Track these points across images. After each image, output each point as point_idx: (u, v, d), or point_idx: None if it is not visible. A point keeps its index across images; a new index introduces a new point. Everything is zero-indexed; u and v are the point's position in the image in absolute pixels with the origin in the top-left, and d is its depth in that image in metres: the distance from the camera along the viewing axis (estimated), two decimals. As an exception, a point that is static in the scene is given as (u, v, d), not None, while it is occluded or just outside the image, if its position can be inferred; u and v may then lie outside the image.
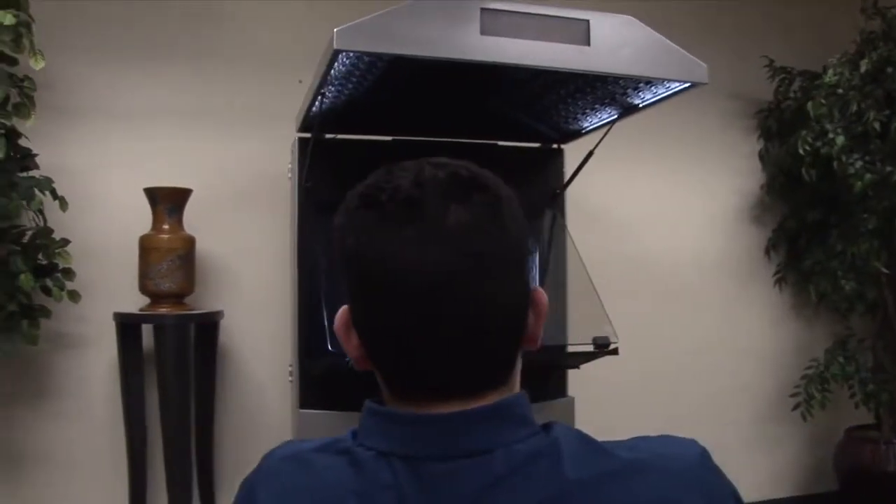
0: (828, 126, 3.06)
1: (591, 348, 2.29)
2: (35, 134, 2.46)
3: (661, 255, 3.48)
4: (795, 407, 3.32)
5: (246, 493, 0.74)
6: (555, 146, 2.77)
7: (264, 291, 2.89)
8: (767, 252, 3.63)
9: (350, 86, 2.22)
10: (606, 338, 2.28)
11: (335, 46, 1.66)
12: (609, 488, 0.65)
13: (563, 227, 2.73)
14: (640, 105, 2.25)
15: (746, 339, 3.60)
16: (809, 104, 3.08)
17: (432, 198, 0.66)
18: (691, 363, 3.49)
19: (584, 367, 2.61)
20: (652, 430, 3.01)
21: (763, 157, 3.59)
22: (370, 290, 0.69)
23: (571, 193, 2.90)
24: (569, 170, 2.71)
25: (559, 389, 2.66)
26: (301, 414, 2.37)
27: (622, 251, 3.40)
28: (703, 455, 0.72)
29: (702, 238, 3.57)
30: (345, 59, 1.88)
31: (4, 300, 2.21)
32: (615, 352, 2.29)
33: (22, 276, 2.19)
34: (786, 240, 3.61)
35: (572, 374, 2.74)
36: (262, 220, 2.89)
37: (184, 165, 2.77)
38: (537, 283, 2.73)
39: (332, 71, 1.90)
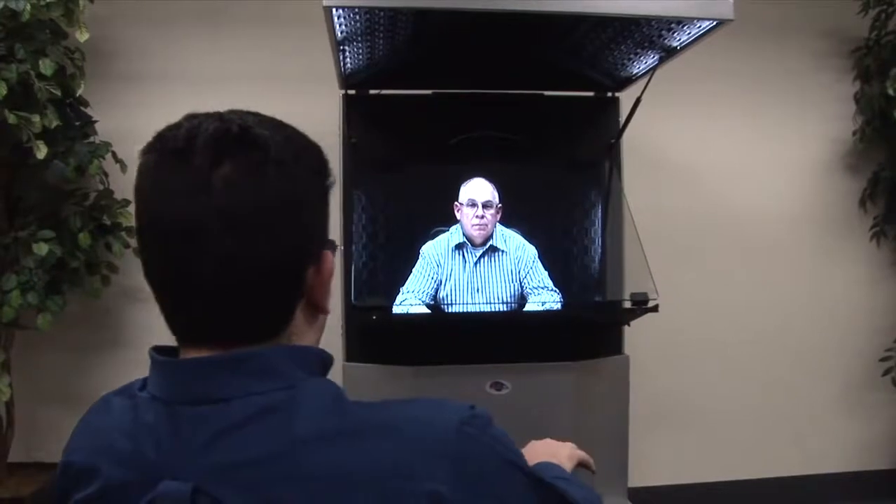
0: (923, 63, 2.75)
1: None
2: (100, 101, 2.62)
3: (744, 207, 3.28)
4: (886, 372, 3.07)
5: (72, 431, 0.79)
6: (609, 95, 2.64)
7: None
8: (863, 204, 3.34)
9: (380, 41, 2.20)
10: (645, 294, 2.18)
11: (324, 3, 1.66)
12: (336, 448, 0.65)
13: (619, 180, 2.62)
14: (678, 47, 2.11)
15: (838, 298, 3.35)
16: (902, 38, 2.78)
17: (198, 152, 0.67)
18: (775, 325, 3.29)
19: (661, 327, 2.55)
20: (728, 394, 2.90)
21: (859, 99, 3.29)
22: (139, 231, 0.71)
23: (643, 145, 2.77)
24: (636, 118, 2.55)
25: (613, 347, 2.57)
26: (346, 367, 2.43)
27: (702, 205, 3.23)
28: (466, 422, 0.69)
29: (789, 189, 3.33)
30: (354, 16, 1.87)
31: (69, 257, 2.39)
32: (655, 309, 2.19)
33: (80, 235, 2.35)
34: (885, 190, 3.30)
35: (651, 334, 2.67)
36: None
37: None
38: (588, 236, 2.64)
39: (342, 27, 1.90)
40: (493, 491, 0.69)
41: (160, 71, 2.86)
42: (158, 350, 0.72)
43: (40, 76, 2.20)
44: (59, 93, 2.23)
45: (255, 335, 0.70)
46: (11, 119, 2.11)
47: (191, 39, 2.89)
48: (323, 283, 0.74)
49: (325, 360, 0.74)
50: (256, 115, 0.72)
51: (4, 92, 2.10)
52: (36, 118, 2.16)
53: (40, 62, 2.20)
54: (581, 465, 1.10)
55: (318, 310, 0.75)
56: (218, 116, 0.70)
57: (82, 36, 2.33)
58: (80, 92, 2.41)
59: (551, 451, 1.06)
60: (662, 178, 3.14)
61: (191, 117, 0.70)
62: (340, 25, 1.89)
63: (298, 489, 0.63)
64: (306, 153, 0.73)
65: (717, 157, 3.27)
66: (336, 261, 2.55)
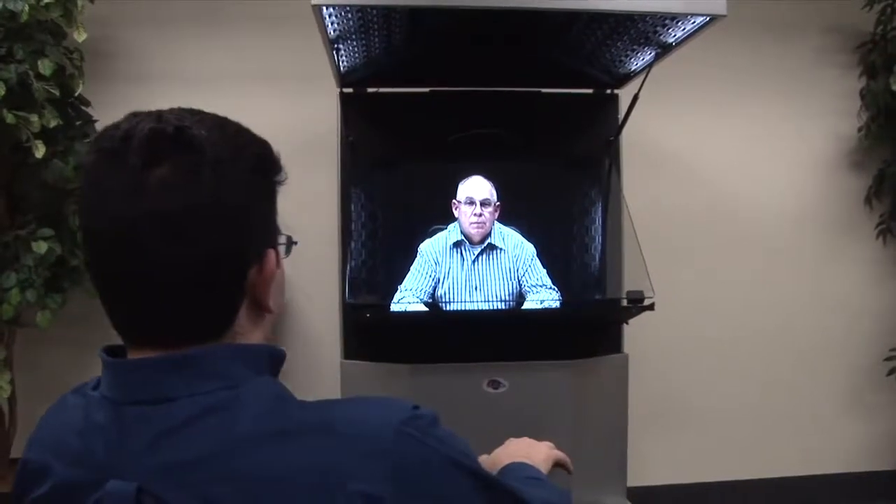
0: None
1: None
2: (100, 101, 2.62)
3: (747, 205, 3.26)
4: (890, 372, 3.04)
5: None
6: (608, 91, 2.63)
7: (325, 246, 2.95)
8: (868, 201, 3.30)
9: (375, 40, 2.20)
10: (640, 292, 2.17)
11: (312, 2, 1.66)
12: (276, 447, 0.65)
13: (618, 177, 2.60)
14: (674, 43, 2.10)
15: (843, 297, 3.31)
16: (905, 33, 2.75)
17: (133, 153, 0.66)
18: (779, 324, 3.26)
19: (660, 325, 2.54)
20: (729, 394, 2.90)
21: (864, 95, 3.25)
22: (82, 232, 0.72)
23: (643, 142, 2.74)
24: (638, 116, 2.52)
25: (612, 345, 2.57)
26: (343, 365, 2.43)
27: (703, 202, 3.21)
28: (406, 422, 0.69)
29: (793, 186, 3.29)
30: (345, 14, 1.87)
31: (69, 255, 2.41)
32: (651, 307, 2.18)
33: (79, 234, 2.36)
34: (891, 187, 3.26)
35: (651, 332, 2.66)
36: (320, 176, 2.94)
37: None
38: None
39: (334, 26, 1.91)
40: (435, 492, 0.68)
41: (160, 71, 2.88)
42: (110, 350, 0.73)
43: (39, 76, 2.22)
44: (57, 93, 2.25)
45: (197, 335, 0.70)
46: (10, 119, 2.14)
47: (190, 39, 2.91)
48: (266, 283, 0.73)
49: (275, 357, 0.74)
50: (198, 113, 0.72)
51: (3, 92, 2.12)
52: (34, 118, 2.18)
53: (39, 62, 2.22)
54: (558, 465, 1.09)
55: (262, 309, 0.74)
56: (157, 116, 0.69)
57: (80, 36, 2.34)
58: (79, 92, 2.43)
59: (526, 452, 1.05)
60: (662, 176, 3.13)
61: (132, 116, 0.70)
62: (332, 24, 1.89)
63: (238, 488, 0.64)
64: (246, 152, 0.71)
65: (718, 154, 3.24)
66: (332, 258, 2.54)
